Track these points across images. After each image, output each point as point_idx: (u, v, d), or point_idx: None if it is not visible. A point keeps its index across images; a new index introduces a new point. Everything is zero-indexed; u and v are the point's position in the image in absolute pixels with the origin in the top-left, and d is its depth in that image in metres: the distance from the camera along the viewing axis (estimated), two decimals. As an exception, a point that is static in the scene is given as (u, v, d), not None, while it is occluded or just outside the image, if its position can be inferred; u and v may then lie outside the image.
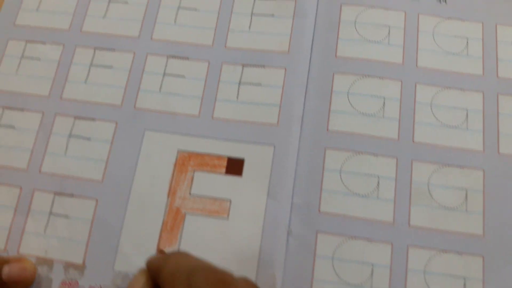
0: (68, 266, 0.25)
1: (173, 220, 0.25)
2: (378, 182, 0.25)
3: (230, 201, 0.25)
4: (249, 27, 0.29)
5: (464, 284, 0.23)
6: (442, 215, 0.24)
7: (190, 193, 0.26)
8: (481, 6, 0.28)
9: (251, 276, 0.24)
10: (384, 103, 0.26)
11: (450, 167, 0.25)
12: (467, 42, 0.28)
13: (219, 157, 0.26)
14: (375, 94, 0.26)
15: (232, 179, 0.26)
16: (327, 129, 0.26)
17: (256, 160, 0.26)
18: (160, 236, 0.25)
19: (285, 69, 0.27)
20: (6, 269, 0.23)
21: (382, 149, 0.25)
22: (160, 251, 0.24)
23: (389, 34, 0.28)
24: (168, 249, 0.25)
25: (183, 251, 0.22)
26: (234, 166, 0.26)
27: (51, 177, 0.26)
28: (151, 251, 0.25)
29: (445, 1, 0.28)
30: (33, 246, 0.25)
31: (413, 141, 0.26)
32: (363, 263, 0.24)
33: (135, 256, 0.25)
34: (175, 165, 0.26)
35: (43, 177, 0.26)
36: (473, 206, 0.24)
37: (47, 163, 0.27)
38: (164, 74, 0.28)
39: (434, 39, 0.28)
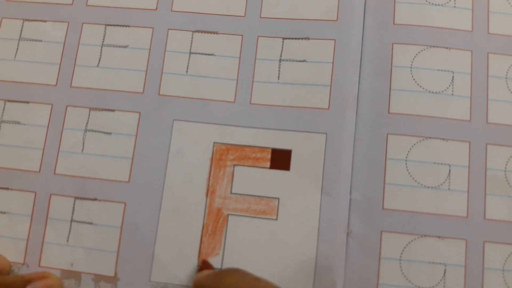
0: (98, 278, 0.25)
1: (215, 223, 0.25)
2: (449, 171, 0.24)
3: (278, 200, 0.25)
4: (288, -8, 0.27)
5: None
6: (522, 205, 0.24)
7: (231, 192, 0.25)
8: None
9: (308, 284, 0.24)
10: (453, 78, 0.25)
11: (530, 150, 0.24)
12: (546, 0, 0.26)
13: (262, 149, 0.25)
14: (443, 68, 0.25)
15: (278, 174, 0.25)
16: (388, 111, 0.25)
17: (306, 151, 0.25)
18: (201, 242, 0.24)
19: (334, 41, 0.26)
20: (29, 290, 0.23)
21: (452, 132, 0.24)
22: (204, 263, 0.24)
23: (455, -6, 0.26)
24: (211, 260, 0.24)
25: (238, 269, 0.21)
26: (280, 159, 0.25)
27: (69, 179, 0.26)
28: (192, 259, 0.24)
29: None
30: (56, 258, 0.25)
31: (487, 122, 0.25)
32: (435, 264, 0.23)
33: (174, 265, 0.24)
34: (211, 160, 0.25)
35: (59, 179, 0.26)
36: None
37: (62, 163, 0.26)
38: (190, 53, 0.27)
39: (508, -2, 0.26)
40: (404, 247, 0.24)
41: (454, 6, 0.26)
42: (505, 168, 0.24)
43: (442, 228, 0.24)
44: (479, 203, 0.24)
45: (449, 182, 0.24)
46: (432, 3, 0.26)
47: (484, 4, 0.26)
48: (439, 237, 0.24)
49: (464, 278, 0.23)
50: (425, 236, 0.24)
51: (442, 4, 0.26)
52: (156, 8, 0.27)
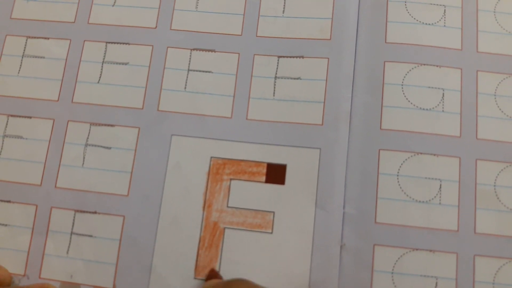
0: (97, 290, 0.25)
1: (211, 236, 0.25)
2: (440, 186, 0.25)
3: (274, 213, 0.25)
4: (283, 11, 0.28)
5: (537, 295, 0.23)
6: (511, 219, 0.24)
7: (227, 205, 0.26)
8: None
9: (302, 295, 0.24)
10: (443, 95, 0.26)
11: (518, 165, 0.25)
12: (533, 19, 0.27)
13: (257, 163, 0.26)
14: (433, 86, 0.26)
15: (273, 188, 0.25)
16: (380, 127, 0.25)
17: (300, 166, 0.25)
18: (198, 254, 0.25)
19: (328, 59, 0.27)
20: (30, 299, 0.23)
21: (443, 148, 0.25)
22: (212, 272, 0.24)
23: (444, 14, 0.27)
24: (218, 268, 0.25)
25: (244, 279, 0.22)
26: (275, 173, 0.26)
27: (70, 192, 0.26)
28: (189, 271, 0.25)
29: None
30: (56, 270, 0.25)
31: (476, 138, 0.25)
32: (426, 277, 0.24)
33: (171, 276, 0.25)
34: (208, 174, 0.26)
35: (60, 192, 0.26)
36: (545, 208, 0.24)
37: (63, 176, 0.26)
38: (189, 70, 0.27)
39: (496, 19, 0.27)
40: (397, 260, 0.24)
41: (444, 26, 0.27)
42: (495, 183, 0.25)
43: (434, 241, 0.24)
44: (469, 217, 0.24)
45: (440, 197, 0.25)
46: (423, 23, 0.27)
47: (473, 23, 0.27)
48: (430, 250, 0.24)
49: (455, 291, 0.24)
50: (416, 249, 0.24)
51: (432, 24, 0.27)
52: (156, 27, 0.28)
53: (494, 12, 0.27)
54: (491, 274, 0.24)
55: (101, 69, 0.28)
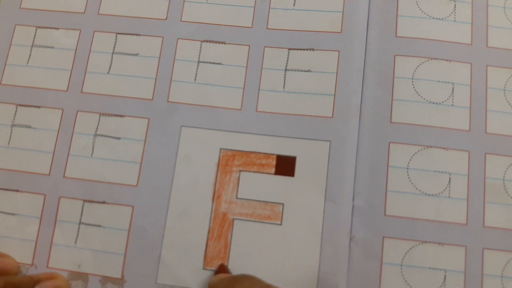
0: (105, 280, 0.25)
1: (220, 227, 0.25)
2: (450, 179, 0.25)
3: (283, 205, 0.25)
4: (294, 3, 0.28)
5: (545, 289, 0.23)
6: (520, 214, 0.24)
7: (236, 197, 0.25)
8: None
9: (311, 287, 0.24)
10: (453, 89, 0.26)
11: (527, 160, 0.25)
12: (542, 15, 0.27)
13: (267, 155, 0.26)
14: (443, 80, 0.26)
15: (283, 179, 0.25)
16: (390, 121, 0.25)
17: (310, 158, 0.25)
18: (207, 245, 0.25)
19: (338, 52, 0.26)
20: (37, 289, 0.23)
21: (452, 142, 0.25)
22: (221, 267, 0.24)
23: (455, 9, 0.27)
24: (217, 263, 0.25)
25: (251, 275, 0.22)
26: (285, 165, 0.26)
27: (78, 182, 0.26)
28: (198, 262, 0.25)
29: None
30: (64, 260, 0.25)
31: (485, 132, 0.25)
32: (435, 269, 0.24)
33: (180, 267, 0.25)
34: (218, 165, 0.26)
35: (68, 182, 0.26)
36: (553, 203, 0.24)
37: (72, 166, 0.26)
38: (199, 62, 0.27)
39: (505, 14, 0.27)
40: (406, 253, 0.24)
41: (454, 20, 0.27)
42: (504, 177, 0.25)
43: (443, 234, 0.24)
44: (478, 210, 0.24)
45: (449, 190, 0.25)
46: (433, 17, 0.27)
47: (483, 18, 0.27)
48: (439, 243, 0.24)
49: (463, 284, 0.24)
50: (426, 242, 0.24)
51: (442, 18, 0.27)
52: (166, 18, 0.28)
53: (504, 7, 0.27)
54: (500, 267, 0.24)
55: (111, 59, 0.28)
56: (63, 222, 0.26)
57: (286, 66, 0.27)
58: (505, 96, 0.26)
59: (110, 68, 0.28)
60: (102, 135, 0.27)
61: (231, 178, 0.26)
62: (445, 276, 0.24)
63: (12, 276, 0.24)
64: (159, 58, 0.27)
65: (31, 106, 0.27)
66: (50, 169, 0.26)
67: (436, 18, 0.27)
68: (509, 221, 0.24)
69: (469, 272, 0.24)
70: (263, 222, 0.25)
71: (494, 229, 0.24)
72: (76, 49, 0.28)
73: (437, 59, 0.26)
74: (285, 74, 0.27)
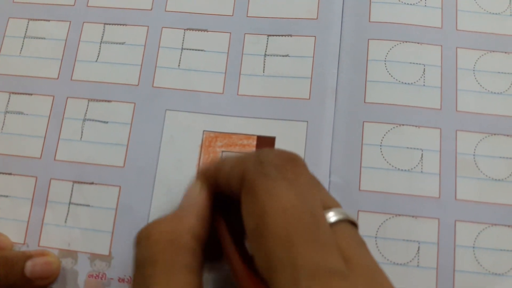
0: (94, 257, 0.25)
1: (203, 205, 0.26)
2: (422, 156, 0.25)
3: (263, 182, 0.26)
4: (272, -7, 0.28)
5: (516, 259, 0.24)
6: (490, 187, 0.25)
7: (219, 176, 0.26)
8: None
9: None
10: (424, 70, 0.26)
11: (497, 135, 0.25)
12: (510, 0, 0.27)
13: (248, 136, 0.26)
14: (414, 61, 0.26)
15: (263, 159, 0.26)
16: (364, 101, 0.26)
17: (288, 138, 0.26)
18: (190, 222, 0.25)
19: (315, 37, 0.27)
20: (29, 265, 0.24)
21: (424, 120, 0.25)
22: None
23: (425, -6, 0.28)
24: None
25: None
26: (265, 145, 0.26)
27: (68, 164, 0.26)
28: (182, 238, 0.25)
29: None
30: (54, 239, 0.26)
31: (456, 110, 0.26)
32: (409, 241, 0.24)
33: (165, 244, 0.25)
34: (201, 146, 0.26)
35: (59, 165, 0.26)
36: (523, 177, 0.25)
37: (62, 150, 0.27)
38: (182, 49, 0.28)
39: (474, -2, 0.28)
40: (380, 226, 0.24)
41: (425, 5, 0.27)
42: (474, 152, 0.25)
43: (416, 208, 0.24)
44: (450, 184, 0.25)
45: (421, 166, 0.25)
46: (405, 3, 0.27)
47: (452, 3, 0.27)
48: (412, 216, 0.24)
49: (437, 255, 0.24)
50: (399, 215, 0.24)
51: (414, 4, 0.27)
52: (151, 9, 0.29)
53: (473, -7, 0.28)
54: (471, 238, 0.24)
55: (99, 48, 0.28)
56: (54, 202, 0.26)
57: (265, 51, 0.27)
58: (474, 76, 0.26)
59: (98, 56, 0.28)
60: (90, 120, 0.27)
61: (214, 158, 0.26)
62: (418, 247, 0.24)
63: (6, 251, 0.25)
64: (145, 46, 0.28)
65: (24, 93, 0.28)
66: (42, 152, 0.27)
67: (408, 4, 0.27)
68: (480, 194, 0.25)
69: (442, 244, 0.24)
70: (244, 199, 0.26)
71: (466, 202, 0.25)
72: (66, 40, 0.28)
73: (409, 42, 0.27)
74: (265, 59, 0.27)
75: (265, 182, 0.17)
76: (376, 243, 0.24)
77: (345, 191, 0.25)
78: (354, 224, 0.18)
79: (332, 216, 0.17)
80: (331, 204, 0.18)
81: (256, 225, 0.17)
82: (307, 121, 0.26)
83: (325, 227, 0.17)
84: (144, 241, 0.19)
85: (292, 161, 0.18)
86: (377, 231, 0.24)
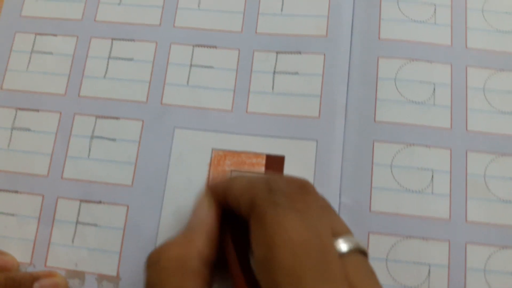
0: (101, 278, 0.25)
1: (212, 225, 0.25)
2: (432, 176, 0.25)
3: (272, 202, 0.25)
4: (281, 9, 0.28)
5: (526, 281, 0.23)
6: (501, 208, 0.24)
7: (228, 195, 0.26)
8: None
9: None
10: (434, 89, 0.26)
11: (507, 156, 0.25)
12: (520, 18, 0.27)
13: (257, 154, 0.26)
14: (424, 80, 0.26)
15: (272, 178, 0.26)
16: (374, 120, 0.25)
17: (298, 157, 0.25)
18: (199, 242, 0.25)
19: (324, 54, 0.27)
20: (36, 287, 0.23)
21: (434, 139, 0.25)
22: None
23: (435, 12, 0.27)
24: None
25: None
26: (274, 164, 0.26)
27: (75, 183, 0.26)
28: (190, 258, 0.25)
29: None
30: (61, 259, 0.25)
31: (466, 130, 0.26)
32: (419, 264, 0.24)
33: (173, 264, 0.25)
34: (210, 165, 0.26)
35: (66, 183, 0.26)
36: (533, 198, 0.24)
37: (69, 168, 0.26)
38: (191, 65, 0.27)
39: (484, 16, 0.27)
40: (391, 248, 0.24)
41: (435, 23, 0.27)
42: (484, 173, 0.25)
43: (426, 230, 0.24)
44: (460, 206, 0.24)
45: (432, 187, 0.25)
46: (414, 20, 0.27)
47: (462, 21, 0.27)
48: (423, 238, 0.24)
49: (447, 278, 0.24)
50: (410, 237, 0.24)
51: (423, 21, 0.27)
52: (160, 24, 0.28)
53: (482, 10, 0.27)
54: (483, 261, 0.24)
55: (107, 64, 0.28)
56: (61, 221, 0.26)
57: (275, 69, 0.27)
58: (484, 95, 0.26)
59: (106, 72, 0.28)
60: (98, 137, 0.27)
61: (223, 177, 0.26)
62: (429, 270, 0.24)
63: (13, 272, 0.24)
64: (153, 62, 0.28)
65: (31, 110, 0.28)
66: (49, 170, 0.26)
67: (417, 21, 0.27)
68: (491, 216, 0.24)
69: (452, 266, 0.24)
70: (253, 219, 0.25)
71: (476, 224, 0.24)
72: (73, 55, 0.28)
73: (419, 60, 0.26)
74: (274, 77, 0.27)
75: (275, 212, 0.17)
76: (387, 266, 0.24)
77: (356, 212, 0.24)
78: (364, 253, 0.18)
79: (342, 245, 0.17)
80: (341, 231, 0.18)
81: (265, 256, 0.17)
82: (316, 140, 0.26)
83: (334, 260, 0.17)
84: (154, 266, 0.19)
85: (302, 189, 0.18)
86: (387, 254, 0.24)
